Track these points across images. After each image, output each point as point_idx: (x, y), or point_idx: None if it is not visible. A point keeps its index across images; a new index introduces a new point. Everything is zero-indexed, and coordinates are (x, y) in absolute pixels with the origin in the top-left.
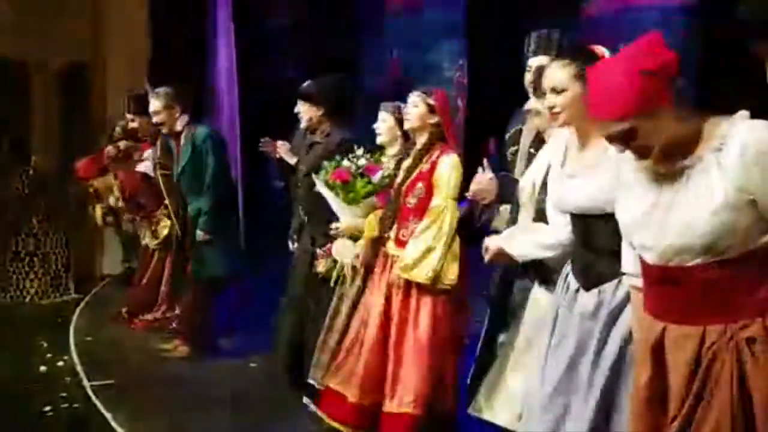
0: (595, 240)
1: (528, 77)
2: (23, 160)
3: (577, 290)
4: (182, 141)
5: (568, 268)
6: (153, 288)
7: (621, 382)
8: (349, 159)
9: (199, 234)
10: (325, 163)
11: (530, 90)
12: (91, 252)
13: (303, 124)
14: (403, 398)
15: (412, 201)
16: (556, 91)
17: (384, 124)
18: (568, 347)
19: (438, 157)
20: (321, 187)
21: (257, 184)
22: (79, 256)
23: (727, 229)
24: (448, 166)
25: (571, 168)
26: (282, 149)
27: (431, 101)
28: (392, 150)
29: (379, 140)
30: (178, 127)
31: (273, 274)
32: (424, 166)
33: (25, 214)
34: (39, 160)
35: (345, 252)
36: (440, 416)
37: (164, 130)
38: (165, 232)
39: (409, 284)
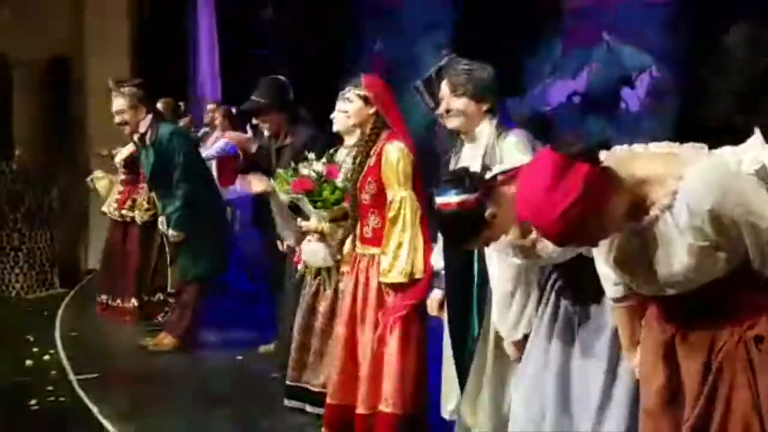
0: (583, 263)
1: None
2: (7, 154)
3: (573, 304)
4: (147, 143)
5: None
6: (128, 271)
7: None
8: (304, 165)
9: (172, 233)
10: (280, 171)
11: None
12: (76, 246)
13: (266, 134)
14: (378, 399)
15: (366, 197)
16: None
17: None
18: (574, 364)
19: (382, 147)
20: (284, 198)
21: None
22: (64, 251)
23: (706, 272)
24: (392, 157)
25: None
26: (254, 183)
27: (363, 93)
28: (350, 141)
29: (335, 128)
30: (142, 128)
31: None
32: (371, 160)
33: (9, 208)
34: (23, 154)
35: (311, 256)
36: (414, 416)
37: (126, 131)
38: (152, 212)
39: (380, 283)
